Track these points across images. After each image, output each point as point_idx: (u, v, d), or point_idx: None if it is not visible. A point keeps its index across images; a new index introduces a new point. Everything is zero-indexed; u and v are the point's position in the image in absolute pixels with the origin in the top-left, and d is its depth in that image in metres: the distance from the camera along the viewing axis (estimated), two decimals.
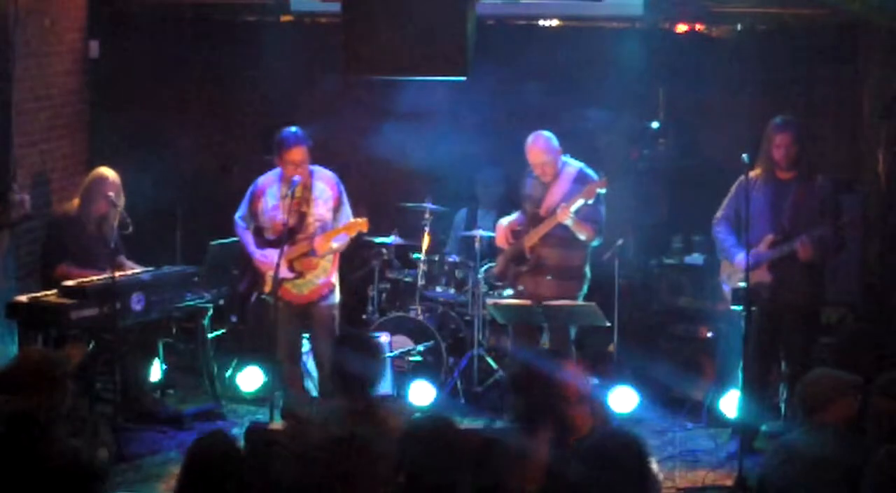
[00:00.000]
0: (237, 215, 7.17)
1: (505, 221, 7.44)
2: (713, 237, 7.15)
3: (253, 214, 7.09)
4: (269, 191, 7.02)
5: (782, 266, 6.78)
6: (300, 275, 6.93)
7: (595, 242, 7.25)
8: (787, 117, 6.93)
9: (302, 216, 6.93)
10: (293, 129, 6.95)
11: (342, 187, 7.07)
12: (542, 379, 4.49)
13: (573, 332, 7.29)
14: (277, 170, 7.02)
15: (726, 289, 7.06)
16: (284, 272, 6.82)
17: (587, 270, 7.30)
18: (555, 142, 7.15)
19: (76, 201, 7.57)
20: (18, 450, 4.23)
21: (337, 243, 7.01)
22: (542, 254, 7.16)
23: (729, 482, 6.45)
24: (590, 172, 7.20)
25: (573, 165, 7.22)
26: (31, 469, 4.13)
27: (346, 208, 7.06)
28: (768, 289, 6.80)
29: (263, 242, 7.06)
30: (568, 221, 7.02)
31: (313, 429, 4.81)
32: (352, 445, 4.60)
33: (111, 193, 7.33)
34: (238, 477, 4.05)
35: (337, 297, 7.13)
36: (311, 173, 6.97)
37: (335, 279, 7.11)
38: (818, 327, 7.19)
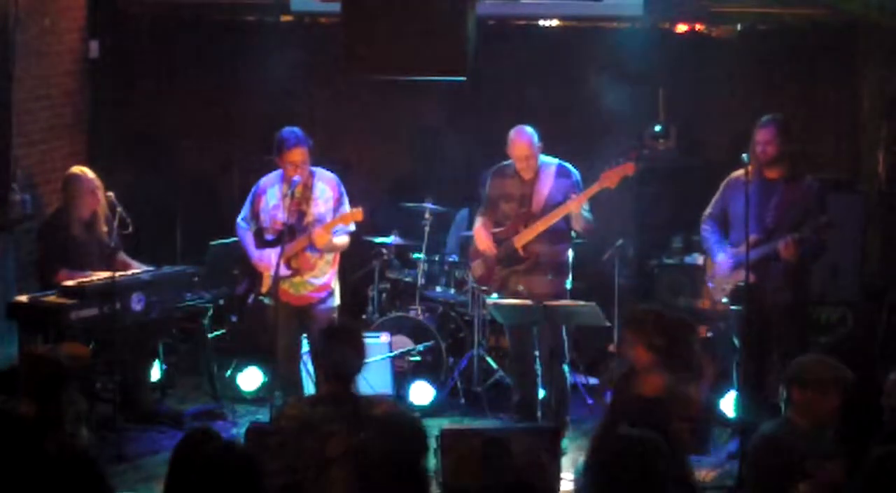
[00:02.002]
0: (239, 218, 7.16)
1: (480, 228, 7.30)
2: (700, 235, 7.17)
3: (254, 214, 7.08)
4: (270, 191, 7.01)
5: (764, 267, 6.75)
6: (297, 273, 6.92)
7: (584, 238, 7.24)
8: (773, 115, 6.90)
9: (301, 215, 6.93)
10: (294, 129, 6.94)
11: (343, 189, 7.06)
12: None
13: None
14: (279, 170, 7.02)
15: (711, 286, 7.07)
16: (282, 270, 6.81)
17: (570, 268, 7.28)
18: (536, 137, 7.13)
19: (58, 205, 7.56)
20: (25, 449, 4.25)
21: (338, 240, 6.98)
22: (538, 251, 7.12)
23: (729, 482, 6.45)
24: (567, 165, 7.18)
25: (550, 161, 7.19)
26: (40, 467, 4.15)
27: (346, 208, 7.04)
28: (753, 289, 6.80)
29: (263, 243, 7.05)
30: (575, 212, 6.97)
31: (298, 418, 4.86)
32: (332, 432, 4.65)
33: (94, 192, 7.30)
34: (233, 475, 4.05)
35: (336, 300, 7.11)
36: (312, 174, 6.96)
37: (335, 283, 7.09)
38: (808, 324, 7.16)
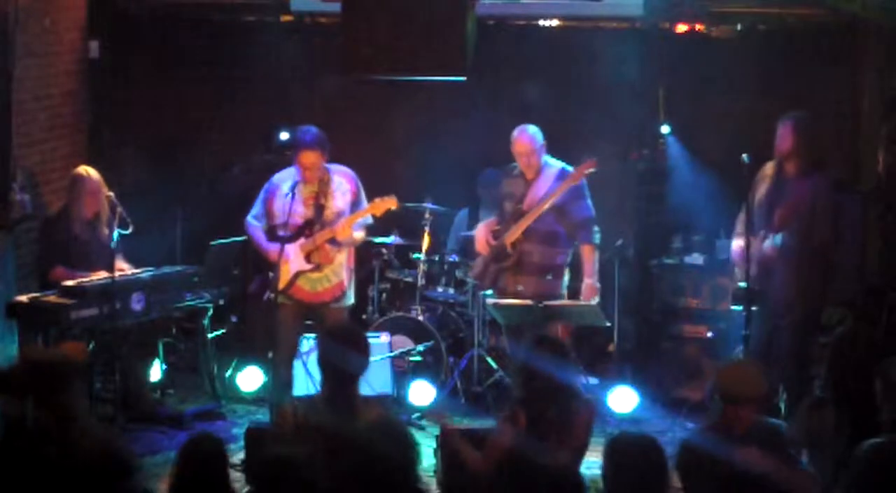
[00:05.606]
0: (250, 215, 7.11)
1: (482, 226, 7.37)
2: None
3: (267, 212, 7.05)
4: (284, 185, 6.99)
5: (769, 264, 6.77)
6: (318, 267, 6.90)
7: (596, 238, 7.21)
8: (795, 112, 6.96)
9: (320, 209, 6.92)
10: (310, 129, 6.90)
11: (360, 183, 7.06)
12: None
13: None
14: (293, 166, 7.00)
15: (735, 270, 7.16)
16: (302, 264, 6.81)
17: (567, 269, 7.26)
18: (540, 136, 7.14)
19: (62, 204, 7.59)
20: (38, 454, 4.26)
21: (357, 234, 6.98)
22: (525, 250, 7.12)
23: None
24: (571, 170, 7.20)
25: (554, 163, 7.22)
26: (62, 464, 4.17)
27: (364, 203, 7.03)
28: (760, 285, 6.84)
29: (276, 239, 7.01)
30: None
31: (294, 420, 4.84)
32: (329, 434, 4.63)
33: (98, 193, 7.31)
34: (225, 479, 4.08)
35: (350, 299, 7.09)
36: (328, 170, 6.96)
37: (350, 283, 7.07)
38: (811, 329, 7.14)
